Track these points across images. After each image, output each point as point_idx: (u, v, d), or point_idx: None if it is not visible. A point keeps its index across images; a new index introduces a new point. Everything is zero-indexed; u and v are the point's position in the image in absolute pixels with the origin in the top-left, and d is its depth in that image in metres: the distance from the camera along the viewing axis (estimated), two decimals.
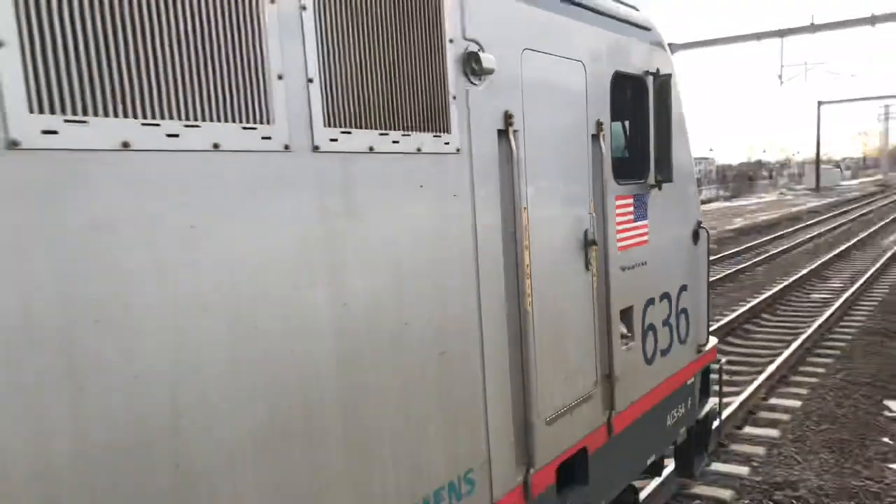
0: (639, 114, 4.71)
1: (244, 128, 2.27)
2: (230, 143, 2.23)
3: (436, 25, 3.02)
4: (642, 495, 6.10)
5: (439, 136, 3.07)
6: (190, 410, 2.16)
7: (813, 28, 25.24)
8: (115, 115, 1.95)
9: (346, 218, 2.64)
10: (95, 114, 1.91)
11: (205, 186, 2.17)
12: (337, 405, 2.62)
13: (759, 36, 26.44)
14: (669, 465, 6.44)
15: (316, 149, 2.51)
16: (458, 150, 3.18)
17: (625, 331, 4.66)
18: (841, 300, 14.27)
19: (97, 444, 1.94)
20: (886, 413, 8.68)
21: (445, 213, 3.12)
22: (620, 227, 4.53)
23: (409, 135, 2.90)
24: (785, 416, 8.53)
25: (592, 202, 4.22)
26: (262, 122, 2.32)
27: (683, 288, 5.50)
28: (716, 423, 6.47)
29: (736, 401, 8.63)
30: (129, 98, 1.97)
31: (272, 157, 2.36)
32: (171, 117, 2.07)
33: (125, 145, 1.98)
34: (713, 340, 6.21)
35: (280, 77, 2.36)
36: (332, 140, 2.56)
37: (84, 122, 1.89)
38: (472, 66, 3.21)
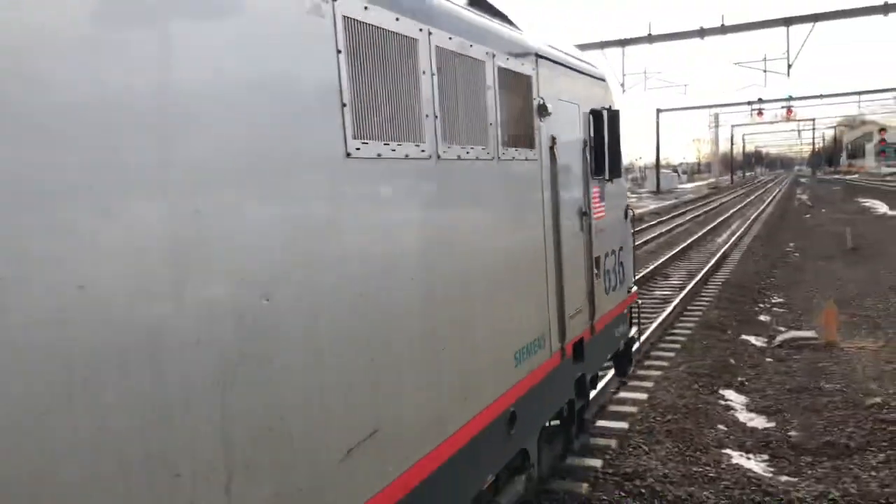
0: (599, 134, 6.92)
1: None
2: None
3: (528, 90, 5.40)
4: (599, 385, 8.54)
5: (529, 150, 5.36)
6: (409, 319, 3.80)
7: (650, 38, 26.92)
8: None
9: (464, 196, 4.46)
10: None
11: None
12: (482, 300, 4.61)
13: (602, 45, 27.87)
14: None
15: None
16: (537, 158, 5.49)
17: (596, 271, 6.93)
18: (680, 297, 15.28)
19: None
20: (721, 402, 9.37)
21: (528, 192, 5.41)
22: (594, 206, 6.89)
23: (507, 150, 4.97)
24: (633, 409, 8.99)
25: (583, 189, 6.64)
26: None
27: (621, 248, 8.00)
28: (635, 346, 9.06)
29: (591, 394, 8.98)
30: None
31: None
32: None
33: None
34: (635, 287, 8.89)
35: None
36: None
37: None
38: (542, 111, 5.55)
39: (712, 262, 20.43)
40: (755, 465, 7.41)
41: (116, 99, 2.21)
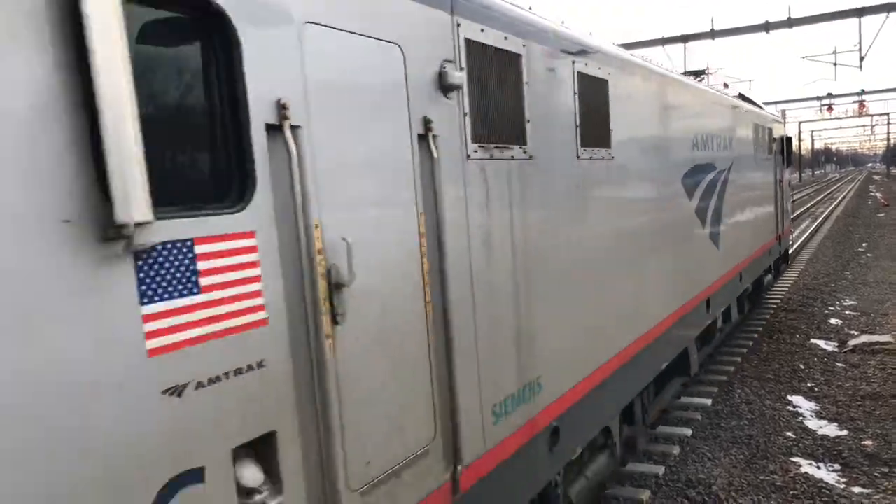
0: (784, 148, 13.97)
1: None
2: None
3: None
4: None
5: (768, 154, 11.84)
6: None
7: (713, 34, 26.23)
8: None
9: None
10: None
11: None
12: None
13: (664, 41, 27.28)
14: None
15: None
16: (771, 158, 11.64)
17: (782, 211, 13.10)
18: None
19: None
20: (790, 408, 9.04)
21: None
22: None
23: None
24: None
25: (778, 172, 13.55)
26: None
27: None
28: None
29: None
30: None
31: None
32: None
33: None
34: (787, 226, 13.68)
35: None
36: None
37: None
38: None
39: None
40: (826, 474, 7.11)
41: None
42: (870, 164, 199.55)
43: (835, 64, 33.41)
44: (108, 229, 2.09)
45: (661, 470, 7.26)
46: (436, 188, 3.62)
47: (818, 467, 7.27)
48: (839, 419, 8.53)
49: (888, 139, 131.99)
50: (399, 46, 3.40)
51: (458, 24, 3.89)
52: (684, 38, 27.45)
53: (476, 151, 4.03)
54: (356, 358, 3.07)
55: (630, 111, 6.39)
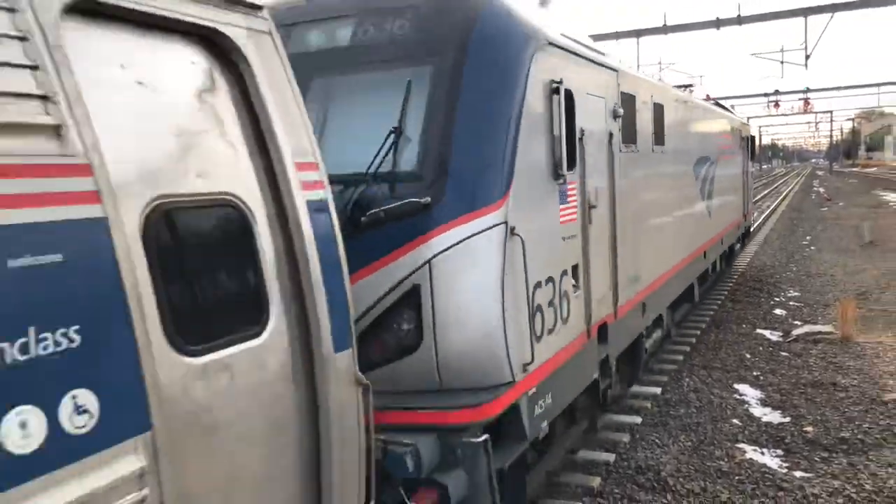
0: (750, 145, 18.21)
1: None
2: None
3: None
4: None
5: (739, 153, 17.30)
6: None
7: (665, 29, 26.63)
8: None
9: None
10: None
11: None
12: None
13: (617, 35, 27.60)
14: None
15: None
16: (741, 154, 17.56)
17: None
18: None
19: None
20: (735, 396, 9.29)
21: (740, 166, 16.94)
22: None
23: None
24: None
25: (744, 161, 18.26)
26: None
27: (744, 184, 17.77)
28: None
29: None
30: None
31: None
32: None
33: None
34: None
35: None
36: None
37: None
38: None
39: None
40: (769, 460, 7.34)
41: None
42: (814, 160, 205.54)
43: (782, 62, 34.27)
44: (556, 178, 5.54)
45: (611, 457, 7.39)
46: (612, 163, 7.11)
47: (762, 453, 7.50)
48: (783, 406, 8.80)
49: (831, 136, 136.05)
50: (604, 99, 6.97)
51: (619, 84, 7.47)
52: (638, 33, 27.81)
53: (621, 149, 7.41)
54: (598, 240, 6.61)
55: (671, 123, 9.98)
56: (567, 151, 5.43)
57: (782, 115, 72.70)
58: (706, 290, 14.81)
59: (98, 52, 2.55)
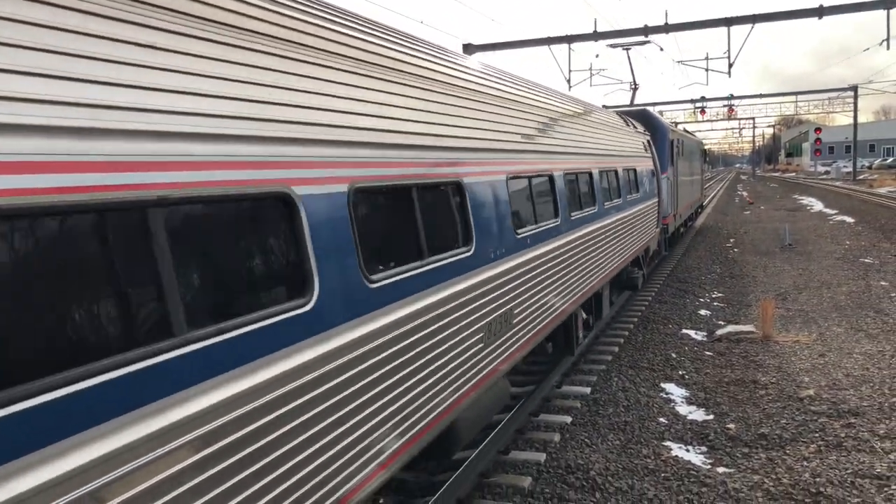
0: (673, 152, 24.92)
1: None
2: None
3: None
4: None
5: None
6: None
7: (595, 35, 27.22)
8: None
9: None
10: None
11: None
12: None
13: (549, 41, 28.07)
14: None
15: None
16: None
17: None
18: (623, 296, 15.50)
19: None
20: (662, 395, 9.52)
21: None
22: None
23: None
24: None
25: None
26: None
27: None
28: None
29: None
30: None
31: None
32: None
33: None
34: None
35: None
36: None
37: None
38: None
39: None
40: (694, 457, 7.55)
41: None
42: (738, 164, 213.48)
43: (707, 69, 35.40)
44: (671, 165, 20.82)
45: (542, 457, 7.47)
46: (676, 164, 21.88)
47: (687, 450, 7.71)
48: (707, 404, 9.07)
49: (754, 141, 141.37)
50: (672, 141, 21.14)
51: (672, 137, 20.83)
52: (569, 39, 28.33)
53: (673, 162, 21.08)
54: (672, 186, 21.36)
55: (684, 148, 24.69)
56: (669, 159, 19.88)
57: (708, 120, 75.16)
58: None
59: None
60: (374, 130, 4.43)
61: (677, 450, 7.71)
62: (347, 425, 3.84)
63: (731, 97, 62.65)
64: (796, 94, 69.79)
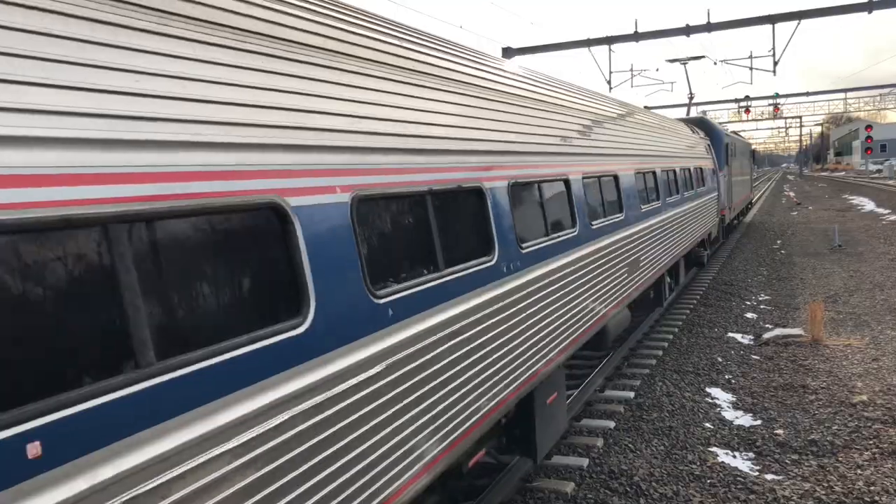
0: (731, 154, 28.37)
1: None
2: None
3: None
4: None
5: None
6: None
7: (637, 36, 26.92)
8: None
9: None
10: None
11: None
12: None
13: (589, 42, 27.84)
14: None
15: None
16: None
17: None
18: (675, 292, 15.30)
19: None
20: (707, 400, 9.34)
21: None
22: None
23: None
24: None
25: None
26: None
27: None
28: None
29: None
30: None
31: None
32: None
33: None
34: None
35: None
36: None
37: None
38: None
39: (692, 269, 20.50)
40: (741, 463, 7.37)
41: None
42: (784, 165, 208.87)
43: (751, 68, 34.75)
44: (726, 165, 24.53)
45: (584, 462, 7.39)
46: (729, 162, 25.28)
47: (734, 456, 7.54)
48: (754, 409, 8.86)
49: (801, 141, 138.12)
50: (728, 144, 25.31)
51: (726, 140, 24.92)
52: (609, 40, 28.06)
53: (728, 163, 24.69)
54: (727, 185, 24.94)
55: (736, 149, 28.37)
56: (725, 160, 23.85)
57: (753, 120, 73.71)
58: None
59: None
60: (380, 135, 4.04)
61: (724, 456, 7.54)
62: (344, 460, 3.41)
63: (777, 96, 61.33)
64: (845, 91, 67.77)
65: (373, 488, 3.63)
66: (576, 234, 7.16)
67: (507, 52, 26.65)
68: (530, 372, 5.83)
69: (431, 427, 4.23)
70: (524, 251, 5.77)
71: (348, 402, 3.46)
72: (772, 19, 24.84)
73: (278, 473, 2.97)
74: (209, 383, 2.66)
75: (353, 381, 3.50)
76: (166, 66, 2.74)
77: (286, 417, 3.00)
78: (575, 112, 8.36)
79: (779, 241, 26.39)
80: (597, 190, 8.27)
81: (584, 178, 7.78)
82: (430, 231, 4.46)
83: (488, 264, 5.13)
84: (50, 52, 2.31)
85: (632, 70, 38.51)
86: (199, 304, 2.75)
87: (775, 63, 29.52)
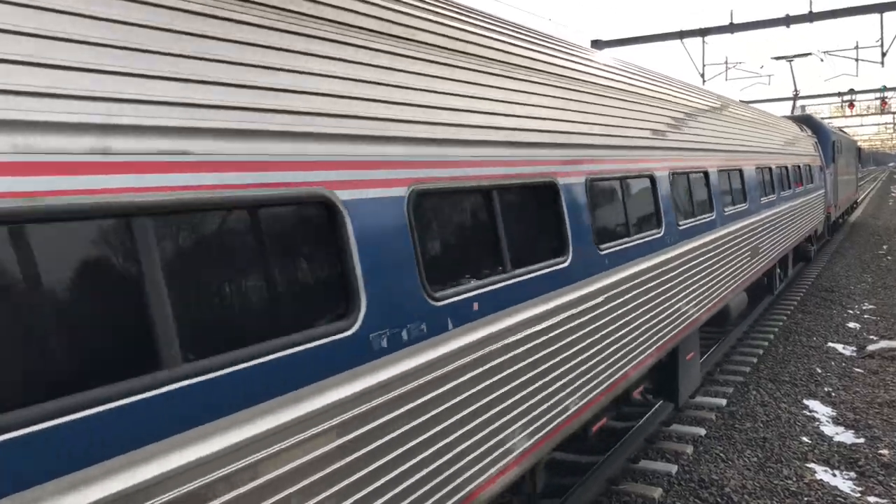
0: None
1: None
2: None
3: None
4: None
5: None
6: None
7: (731, 28, 25.93)
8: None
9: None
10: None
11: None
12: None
13: (682, 34, 27.01)
14: None
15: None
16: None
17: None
18: (771, 296, 14.71)
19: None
20: (805, 413, 8.95)
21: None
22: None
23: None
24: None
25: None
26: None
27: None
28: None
29: None
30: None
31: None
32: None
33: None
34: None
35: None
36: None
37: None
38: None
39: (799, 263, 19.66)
40: (841, 482, 7.04)
41: None
42: (892, 164, 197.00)
43: (856, 59, 32.96)
44: (832, 162, 24.75)
45: (673, 469, 7.22)
46: (836, 159, 24.94)
47: (833, 475, 7.20)
48: (856, 426, 8.43)
49: None
50: (836, 142, 25.24)
51: (832, 137, 25.02)
52: (703, 32, 27.16)
53: (834, 160, 24.14)
54: (833, 179, 24.61)
55: (841, 147, 28.01)
56: (831, 157, 23.84)
57: (857, 115, 69.95)
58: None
59: None
60: (440, 125, 3.73)
61: (822, 473, 7.22)
62: (389, 477, 3.13)
63: (885, 89, 57.96)
64: None
65: None
66: (712, 218, 8.77)
67: (597, 45, 26.18)
68: (671, 335, 7.00)
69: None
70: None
71: (398, 412, 3.23)
72: (880, 8, 23.47)
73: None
74: (252, 385, 2.53)
75: (404, 389, 3.26)
76: (216, 49, 2.64)
77: (316, 431, 2.79)
78: (666, 104, 8.12)
79: (885, 247, 24.97)
80: (738, 179, 10.54)
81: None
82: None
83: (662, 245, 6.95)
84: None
85: (726, 63, 37.18)
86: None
87: (883, 54, 27.90)
